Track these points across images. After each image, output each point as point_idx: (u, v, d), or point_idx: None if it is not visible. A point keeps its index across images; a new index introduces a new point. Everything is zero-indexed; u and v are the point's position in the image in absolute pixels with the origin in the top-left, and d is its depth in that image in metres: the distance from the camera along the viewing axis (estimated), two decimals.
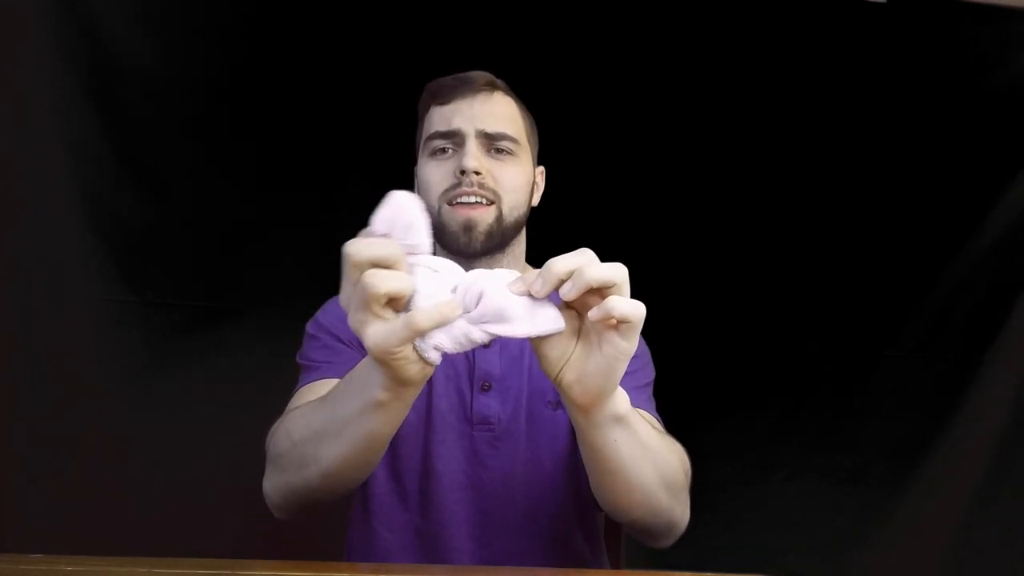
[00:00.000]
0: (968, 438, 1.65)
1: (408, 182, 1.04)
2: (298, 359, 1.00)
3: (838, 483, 1.67)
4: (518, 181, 1.00)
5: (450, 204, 0.97)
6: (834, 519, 1.66)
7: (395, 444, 0.97)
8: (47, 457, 1.41)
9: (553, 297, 0.61)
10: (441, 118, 1.00)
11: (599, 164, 1.61)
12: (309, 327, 1.03)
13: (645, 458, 0.74)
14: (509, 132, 1.00)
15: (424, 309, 0.57)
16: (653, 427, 0.81)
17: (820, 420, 1.69)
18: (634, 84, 1.62)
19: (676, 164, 1.64)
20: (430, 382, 0.97)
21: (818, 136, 1.65)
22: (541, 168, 1.11)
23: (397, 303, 0.58)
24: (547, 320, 0.61)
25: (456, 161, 0.97)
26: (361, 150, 1.55)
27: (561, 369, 0.64)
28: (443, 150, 0.99)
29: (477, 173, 0.96)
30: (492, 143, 0.99)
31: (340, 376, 0.85)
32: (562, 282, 0.60)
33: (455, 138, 0.98)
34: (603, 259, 0.61)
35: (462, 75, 1.02)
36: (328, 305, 1.05)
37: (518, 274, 0.62)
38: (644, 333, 0.62)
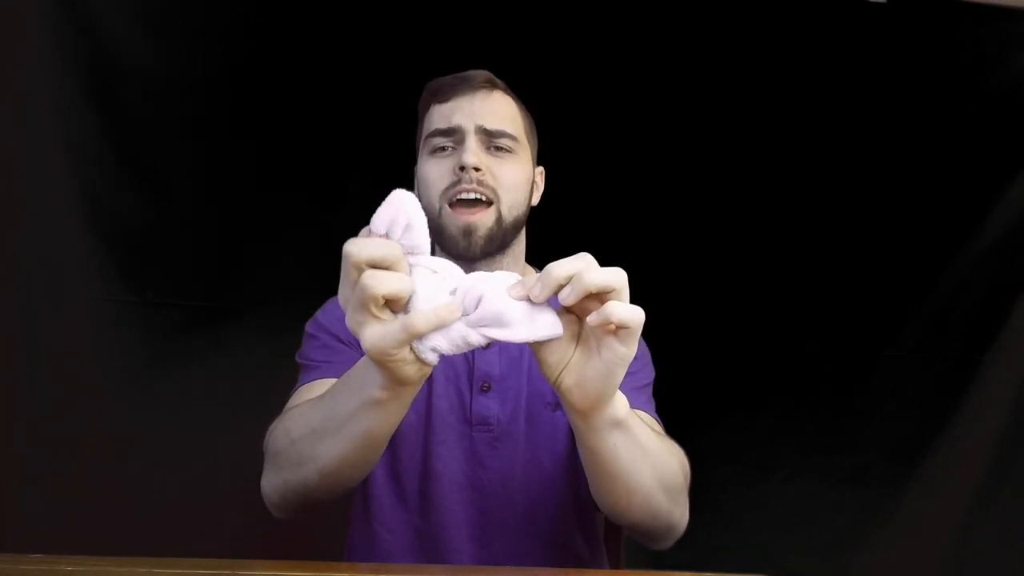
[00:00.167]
0: (968, 438, 1.65)
1: (408, 182, 1.04)
2: (297, 358, 1.00)
3: (838, 483, 1.67)
4: (517, 179, 1.00)
5: (450, 205, 0.97)
6: (834, 519, 1.66)
7: (395, 445, 0.97)
8: (47, 457, 1.41)
9: (552, 301, 0.61)
10: (441, 116, 1.00)
11: (599, 165, 1.61)
12: (308, 327, 1.03)
13: (644, 462, 0.74)
14: (508, 130, 1.00)
15: (422, 312, 0.57)
16: (652, 429, 0.81)
17: (820, 420, 1.69)
18: (634, 84, 1.62)
19: (676, 164, 1.64)
20: (429, 382, 0.97)
21: (818, 136, 1.65)
22: (540, 168, 1.11)
23: (395, 304, 0.58)
24: (546, 325, 0.61)
25: (456, 158, 0.97)
26: (361, 150, 1.55)
27: (560, 374, 0.64)
28: (443, 148, 0.99)
29: (477, 169, 0.96)
30: (492, 140, 0.99)
31: (339, 375, 0.84)
32: (561, 287, 0.59)
33: (455, 135, 0.99)
34: (603, 259, 0.61)
35: (462, 74, 1.03)
36: (328, 305, 1.05)
37: (518, 277, 0.61)
38: (644, 333, 0.62)
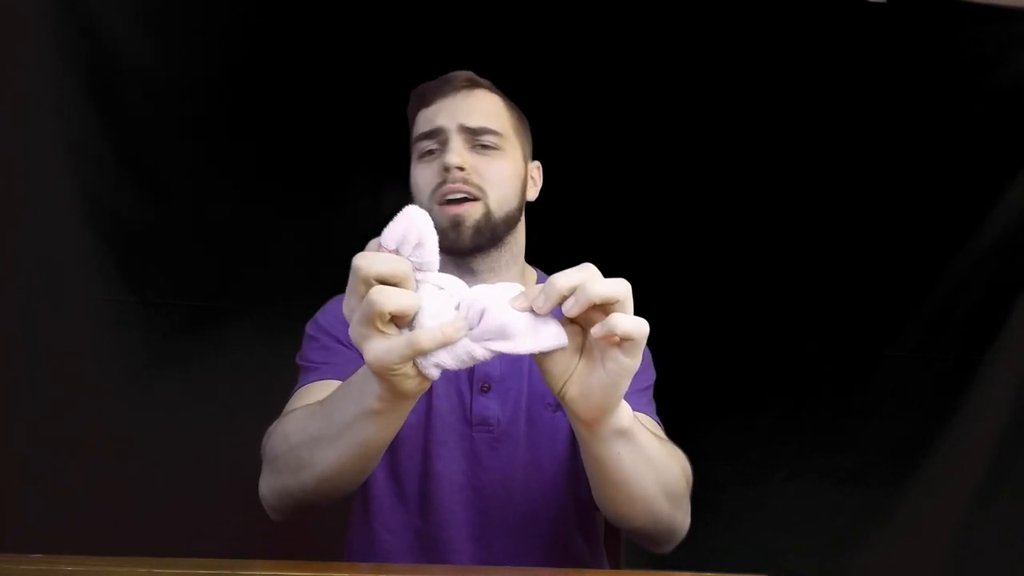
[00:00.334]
0: (968, 438, 1.65)
1: (408, 183, 1.05)
2: (297, 360, 1.00)
3: (838, 483, 1.67)
4: (505, 175, 1.00)
5: (440, 204, 0.97)
6: (834, 519, 1.66)
7: (395, 445, 0.97)
8: (47, 457, 1.41)
9: (556, 312, 0.61)
10: (425, 119, 1.01)
11: (600, 164, 1.61)
12: (308, 328, 1.03)
13: (648, 469, 0.74)
14: (491, 126, 1.00)
15: (428, 329, 0.57)
16: (654, 433, 0.81)
17: (820, 420, 1.69)
18: (635, 84, 1.62)
19: (677, 164, 1.64)
20: None
21: (818, 136, 1.65)
22: (537, 163, 1.11)
23: (401, 319, 0.58)
24: (550, 336, 0.61)
25: (441, 160, 0.98)
26: (362, 151, 1.55)
27: (564, 384, 0.64)
28: (430, 151, 1.00)
29: (460, 169, 0.96)
30: (475, 138, 0.99)
31: (339, 377, 0.85)
32: (565, 298, 0.59)
33: (439, 136, 0.99)
34: (604, 259, 0.61)
35: (443, 76, 1.04)
36: (328, 306, 1.05)
37: (521, 288, 0.61)
38: None
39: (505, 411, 0.98)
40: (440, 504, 0.97)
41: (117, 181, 1.48)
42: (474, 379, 0.98)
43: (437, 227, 0.96)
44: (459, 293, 0.60)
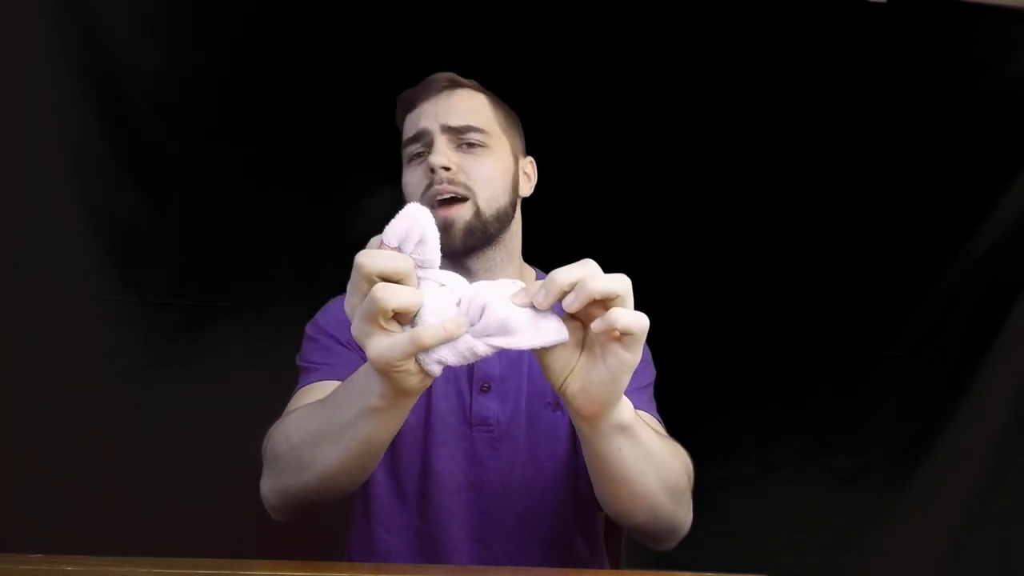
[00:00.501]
0: (968, 438, 1.65)
1: None
2: (297, 361, 1.00)
3: (838, 483, 1.67)
4: (493, 173, 1.00)
5: (431, 207, 0.97)
6: (834, 519, 1.66)
7: (395, 445, 0.97)
8: (47, 457, 1.41)
9: (556, 307, 0.61)
10: (411, 123, 1.02)
11: (599, 162, 1.61)
12: (308, 329, 1.03)
13: (649, 465, 0.74)
14: (475, 124, 1.00)
15: (430, 326, 0.57)
16: (655, 431, 0.81)
17: (820, 420, 1.69)
18: (634, 83, 1.62)
19: (677, 164, 1.64)
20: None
21: (818, 136, 1.65)
22: (530, 159, 1.11)
23: (403, 317, 0.58)
24: (550, 331, 0.61)
25: (428, 161, 0.98)
26: (362, 151, 1.54)
27: (565, 380, 0.64)
28: (418, 155, 1.01)
29: (446, 168, 0.97)
30: (460, 137, 0.99)
31: (339, 378, 0.85)
32: (565, 293, 0.59)
33: (424, 139, 1.00)
34: (603, 258, 0.61)
35: (426, 79, 1.04)
36: (327, 307, 1.05)
37: (521, 284, 0.61)
38: None
39: (505, 411, 0.98)
40: (440, 504, 0.97)
41: (117, 181, 1.48)
42: (474, 379, 0.98)
43: None
44: (460, 290, 0.60)
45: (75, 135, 1.44)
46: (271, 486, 0.82)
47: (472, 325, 0.59)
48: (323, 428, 0.73)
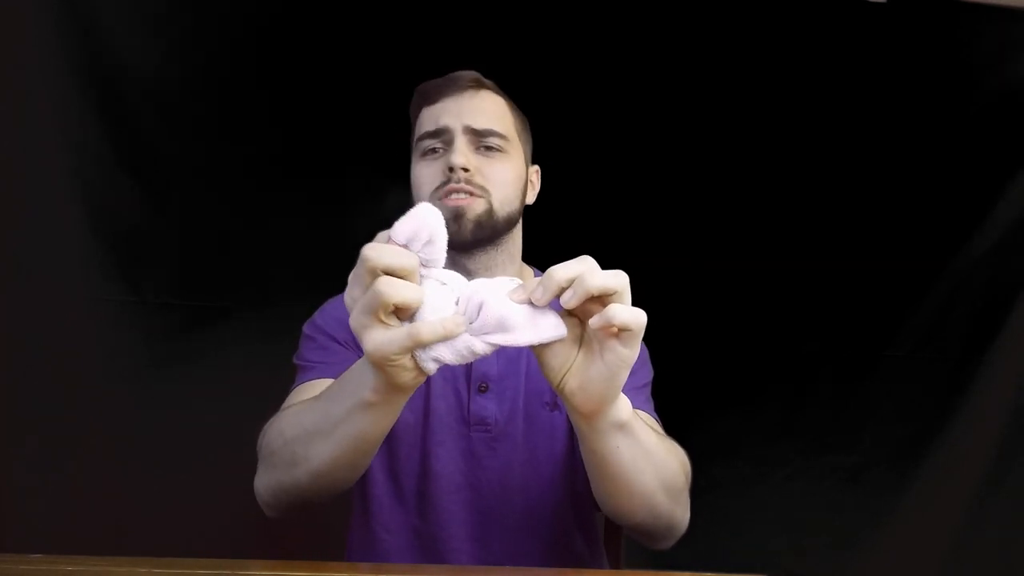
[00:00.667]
0: (968, 438, 1.65)
1: (408, 184, 1.05)
2: (294, 359, 1.01)
3: (837, 483, 1.67)
4: (508, 178, 1.00)
5: (441, 199, 0.97)
6: (833, 519, 1.66)
7: (393, 445, 0.97)
8: (47, 457, 1.41)
9: (554, 304, 0.61)
10: (430, 118, 1.01)
11: (598, 164, 1.61)
12: (306, 328, 1.03)
13: (647, 463, 0.74)
14: (497, 128, 1.00)
15: (429, 322, 0.57)
16: (653, 430, 0.81)
17: (820, 420, 1.69)
18: (633, 84, 1.62)
19: (676, 164, 1.64)
20: (427, 383, 0.97)
21: (818, 136, 1.65)
22: (536, 167, 1.11)
23: (403, 312, 0.58)
24: (549, 328, 0.61)
25: (446, 160, 0.97)
26: (362, 151, 1.55)
27: (563, 377, 0.64)
28: (433, 150, 1.00)
29: (465, 170, 0.96)
30: (481, 140, 0.99)
31: (335, 376, 0.85)
32: (563, 290, 0.59)
33: (444, 136, 0.99)
34: (602, 259, 0.61)
35: (450, 75, 1.03)
36: (325, 306, 1.05)
37: (519, 282, 0.62)
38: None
39: (503, 411, 0.98)
40: (439, 504, 0.97)
41: (117, 181, 1.48)
42: (472, 379, 0.98)
43: None
44: (459, 288, 0.61)
45: (75, 135, 1.44)
46: (265, 482, 0.82)
47: (470, 323, 0.59)
48: (317, 424, 0.73)
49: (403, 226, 0.58)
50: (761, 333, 1.69)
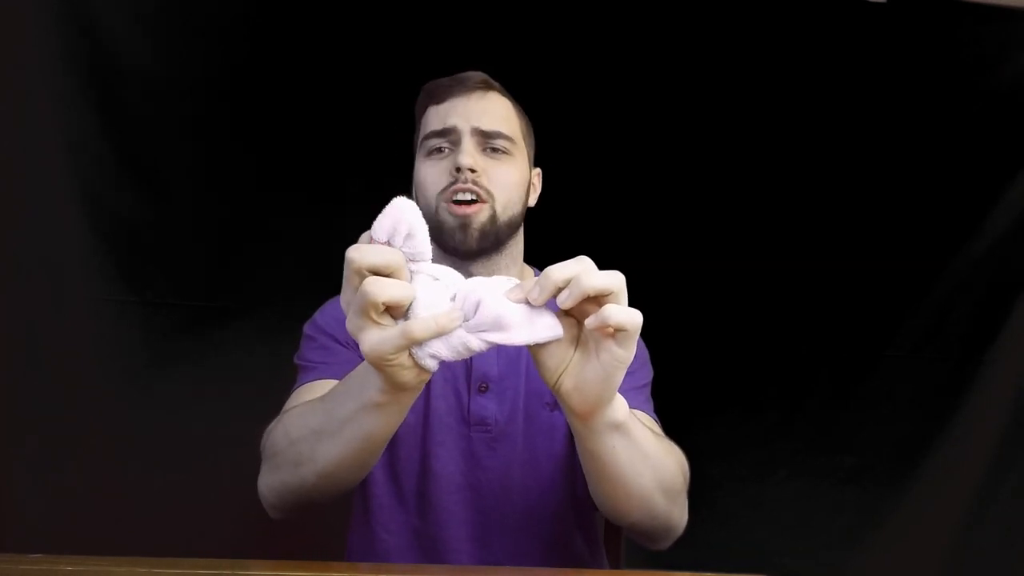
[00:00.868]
0: (968, 438, 1.65)
1: (409, 182, 1.05)
2: (295, 360, 1.01)
3: (837, 483, 1.67)
4: (513, 180, 1.00)
5: (448, 203, 0.97)
6: (833, 519, 1.66)
7: (393, 445, 0.97)
8: (47, 457, 1.41)
9: (551, 304, 0.61)
10: (437, 117, 1.00)
11: (597, 165, 1.61)
12: (306, 328, 1.03)
13: (644, 464, 0.74)
14: (504, 131, 1.00)
15: (421, 319, 0.57)
16: (651, 430, 0.81)
17: (819, 420, 1.69)
18: (633, 85, 1.62)
19: (675, 165, 1.64)
20: (427, 383, 0.97)
21: (817, 136, 1.65)
22: (538, 170, 1.11)
23: (396, 310, 0.58)
24: (545, 327, 0.61)
25: (452, 160, 0.97)
26: (361, 150, 1.55)
27: (559, 377, 0.64)
28: (439, 149, 1.00)
29: (472, 171, 0.96)
30: (487, 141, 0.99)
31: (336, 377, 0.85)
32: (559, 290, 0.59)
33: (451, 136, 0.99)
34: (601, 260, 0.61)
35: (458, 75, 1.03)
36: (326, 306, 1.05)
37: (516, 281, 0.61)
38: (642, 333, 0.62)
39: (503, 411, 0.98)
40: (439, 504, 0.97)
41: (117, 181, 1.48)
42: (472, 379, 0.98)
43: (444, 227, 0.98)
44: (455, 284, 0.61)
45: (75, 135, 1.44)
46: (269, 483, 0.82)
47: (467, 320, 0.59)
48: (323, 424, 0.73)
49: (380, 223, 0.58)
50: (761, 334, 1.69)
